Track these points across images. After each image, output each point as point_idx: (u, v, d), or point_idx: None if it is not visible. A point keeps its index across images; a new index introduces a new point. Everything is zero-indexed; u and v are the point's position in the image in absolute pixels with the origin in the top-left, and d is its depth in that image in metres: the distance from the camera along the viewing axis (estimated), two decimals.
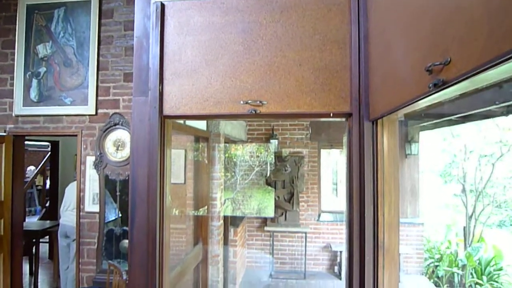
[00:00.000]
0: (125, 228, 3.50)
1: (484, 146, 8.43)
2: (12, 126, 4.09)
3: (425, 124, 5.75)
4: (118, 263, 3.23)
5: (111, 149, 3.54)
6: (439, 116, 4.60)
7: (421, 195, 6.26)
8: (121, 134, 3.55)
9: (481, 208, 7.24)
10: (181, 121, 3.01)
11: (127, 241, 3.64)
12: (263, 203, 6.27)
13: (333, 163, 7.48)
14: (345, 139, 1.89)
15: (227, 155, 5.87)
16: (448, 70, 0.90)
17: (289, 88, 1.79)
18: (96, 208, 3.77)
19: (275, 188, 5.84)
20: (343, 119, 1.83)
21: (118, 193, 3.51)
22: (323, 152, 6.33)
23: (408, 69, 1.18)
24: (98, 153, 3.55)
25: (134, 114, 2.10)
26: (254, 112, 1.80)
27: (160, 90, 1.89)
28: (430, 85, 0.95)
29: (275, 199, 5.83)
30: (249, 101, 1.80)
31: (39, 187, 10.64)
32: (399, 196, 1.69)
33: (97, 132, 3.80)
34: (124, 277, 2.64)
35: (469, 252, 6.02)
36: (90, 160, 3.83)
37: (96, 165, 3.55)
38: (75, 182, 4.42)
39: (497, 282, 6.11)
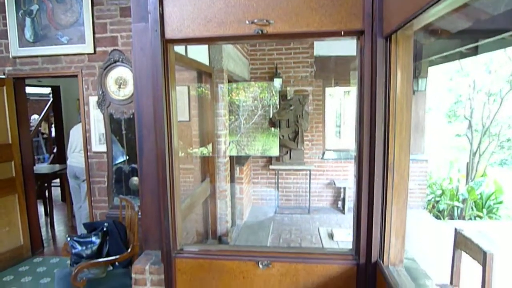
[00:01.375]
0: (133, 165, 3.54)
1: (494, 81, 8.25)
2: (11, 68, 4.00)
3: (433, 58, 5.56)
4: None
5: (113, 88, 3.47)
6: (452, 42, 4.40)
7: (426, 133, 6.25)
8: (122, 72, 3.46)
9: (486, 144, 7.26)
10: (183, 53, 2.91)
11: (136, 178, 3.71)
12: (267, 144, 6.31)
13: (337, 105, 7.39)
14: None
15: (230, 96, 5.80)
16: None
17: (297, 5, 1.68)
18: (103, 148, 3.80)
19: (279, 127, 5.83)
20: (354, 38, 1.74)
21: (124, 132, 3.51)
22: (328, 92, 6.21)
23: None
24: (100, 92, 3.49)
25: (135, 42, 2.01)
26: (260, 32, 1.71)
27: (161, 12, 1.78)
28: None
29: (279, 138, 5.84)
30: (255, 21, 1.70)
31: (45, 136, 10.72)
32: (411, 115, 1.65)
33: (97, 71, 3.71)
34: (136, 209, 2.71)
35: (471, 186, 6.14)
36: (93, 100, 3.79)
37: (100, 104, 3.51)
38: (80, 124, 4.41)
39: (495, 214, 6.31)
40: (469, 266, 2.76)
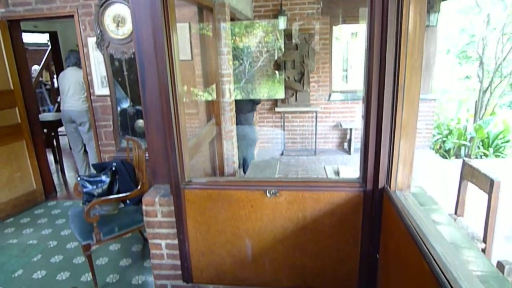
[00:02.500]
0: (137, 107, 3.51)
1: (510, 16, 7.82)
2: (4, 10, 3.84)
3: None
4: None
5: (111, 26, 3.33)
6: None
7: (436, 71, 6.06)
8: (119, 9, 3.30)
9: (497, 83, 7.05)
10: None
11: (141, 120, 3.69)
12: (273, 90, 6.20)
13: (344, 49, 7.10)
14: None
15: (233, 40, 5.59)
16: None
17: None
18: (106, 91, 3.75)
19: (284, 68, 5.67)
20: None
21: (125, 73, 3.42)
22: (334, 34, 5.94)
23: None
24: (98, 32, 3.36)
25: None
26: None
27: None
28: None
29: (285, 79, 5.71)
30: None
31: (48, 87, 10.63)
32: (424, 34, 1.56)
33: (94, 9, 3.55)
34: (143, 147, 2.72)
35: (479, 124, 6.07)
36: (92, 41, 3.68)
37: (99, 44, 3.40)
38: (68, 69, 4.34)
39: (502, 153, 6.30)
40: (474, 198, 2.81)
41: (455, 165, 5.43)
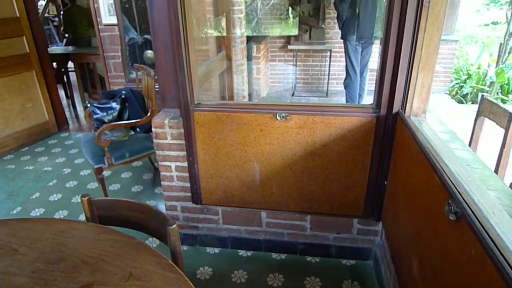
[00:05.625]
0: (146, 36, 3.41)
1: None
2: None
3: None
4: None
5: None
6: None
7: (461, 10, 5.69)
8: None
9: None
10: None
11: (150, 51, 3.61)
12: (286, 30, 5.91)
13: None
14: None
15: None
16: None
17: None
18: (113, 20, 3.62)
19: (299, 2, 5.37)
20: None
21: None
22: None
23: None
24: None
25: None
26: None
27: None
28: None
29: (299, 14, 5.42)
30: None
31: (55, 23, 10.40)
32: None
33: None
34: (152, 73, 2.67)
35: (501, 68, 5.80)
36: None
37: None
38: None
39: None
40: (488, 136, 2.74)
41: (470, 109, 5.29)
